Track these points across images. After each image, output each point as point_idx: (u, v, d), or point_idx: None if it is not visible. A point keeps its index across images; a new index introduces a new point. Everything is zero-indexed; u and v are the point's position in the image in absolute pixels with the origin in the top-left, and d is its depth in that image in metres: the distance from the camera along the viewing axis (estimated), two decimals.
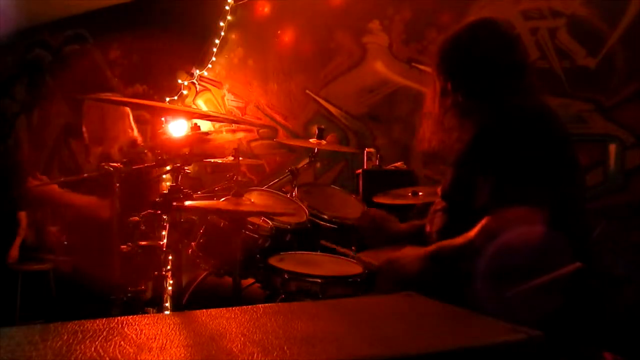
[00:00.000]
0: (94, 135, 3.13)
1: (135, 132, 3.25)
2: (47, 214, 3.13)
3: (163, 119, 4.51)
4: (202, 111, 4.56)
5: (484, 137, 1.57)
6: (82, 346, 0.86)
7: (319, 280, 2.16)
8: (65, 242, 3.01)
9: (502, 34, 1.70)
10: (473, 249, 1.48)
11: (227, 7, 4.55)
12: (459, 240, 1.55)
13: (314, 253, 2.50)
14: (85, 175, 2.63)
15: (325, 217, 2.64)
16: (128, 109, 3.22)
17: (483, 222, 1.50)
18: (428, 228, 1.79)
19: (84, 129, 3.18)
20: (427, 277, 1.59)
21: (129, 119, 3.21)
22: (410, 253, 1.67)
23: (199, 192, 3.23)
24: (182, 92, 4.79)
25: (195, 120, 2.55)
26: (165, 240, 2.53)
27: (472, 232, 1.51)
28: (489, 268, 1.44)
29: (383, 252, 2.35)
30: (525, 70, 1.69)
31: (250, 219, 2.37)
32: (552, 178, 1.49)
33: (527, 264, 1.41)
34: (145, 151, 2.92)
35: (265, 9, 4.46)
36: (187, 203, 2.09)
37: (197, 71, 4.74)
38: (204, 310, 1.13)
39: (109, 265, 3.00)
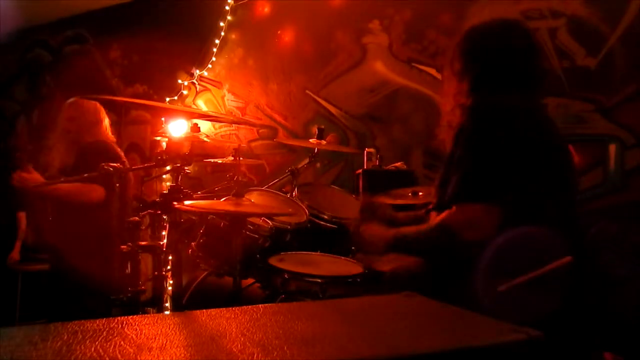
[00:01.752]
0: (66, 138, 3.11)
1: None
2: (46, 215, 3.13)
3: (163, 119, 4.51)
4: (202, 111, 4.56)
5: (460, 134, 1.58)
6: (82, 346, 0.86)
7: (319, 280, 2.16)
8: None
9: (531, 39, 1.70)
10: (427, 241, 1.58)
11: (227, 7, 4.55)
12: (416, 230, 1.63)
13: (314, 253, 2.50)
14: (85, 175, 2.63)
15: (325, 217, 2.64)
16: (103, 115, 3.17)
17: (441, 216, 1.55)
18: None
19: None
20: (389, 252, 1.72)
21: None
22: (376, 231, 1.77)
23: (199, 192, 3.23)
24: (182, 92, 4.79)
25: (195, 121, 2.55)
26: (165, 240, 2.53)
27: (429, 225, 1.59)
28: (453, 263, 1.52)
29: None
30: (542, 80, 1.69)
31: (250, 219, 2.37)
32: (524, 179, 1.49)
33: (517, 261, 1.42)
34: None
35: (265, 9, 4.46)
36: (187, 203, 2.09)
37: (197, 71, 4.74)
38: (204, 310, 1.13)
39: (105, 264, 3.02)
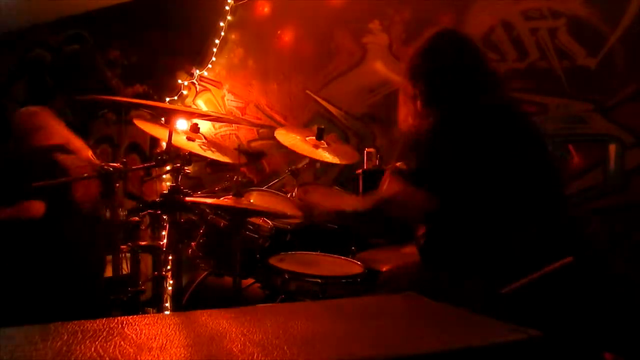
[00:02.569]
0: None
1: None
2: None
3: (163, 119, 4.51)
4: (201, 111, 4.56)
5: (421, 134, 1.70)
6: (82, 346, 0.86)
7: (319, 280, 2.16)
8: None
9: (455, 40, 1.79)
10: (366, 212, 1.69)
11: (227, 7, 4.54)
12: (356, 202, 1.77)
13: (314, 253, 2.50)
14: (85, 175, 2.64)
15: None
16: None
17: (380, 191, 1.70)
18: (415, 235, 1.81)
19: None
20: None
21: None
22: (325, 205, 1.93)
23: (199, 192, 3.23)
24: (182, 92, 4.78)
25: (195, 121, 2.55)
26: (165, 240, 2.53)
27: (368, 199, 1.72)
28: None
29: (381, 252, 2.37)
30: (476, 71, 1.74)
31: (250, 219, 2.37)
32: (489, 177, 1.54)
33: (517, 261, 1.42)
34: None
35: (265, 9, 4.46)
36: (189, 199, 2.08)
37: (197, 71, 4.74)
38: (204, 310, 1.13)
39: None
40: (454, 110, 1.64)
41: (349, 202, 1.79)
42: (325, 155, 2.82)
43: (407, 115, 1.83)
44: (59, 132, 3.15)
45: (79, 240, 2.94)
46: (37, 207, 2.79)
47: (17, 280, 2.73)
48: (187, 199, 2.11)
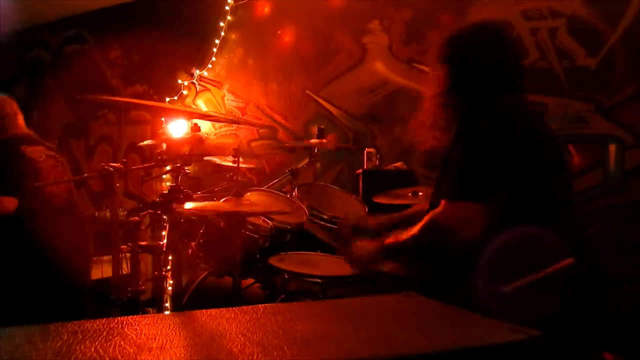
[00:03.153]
0: None
1: None
2: None
3: (163, 119, 4.51)
4: (201, 111, 4.56)
5: (456, 135, 1.60)
6: (82, 346, 0.86)
7: (319, 280, 2.16)
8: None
9: (502, 36, 1.72)
10: (418, 243, 1.58)
11: (227, 7, 4.55)
12: (405, 235, 1.63)
13: (314, 253, 2.49)
14: (85, 175, 2.63)
15: (325, 217, 2.63)
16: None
17: (427, 217, 1.57)
18: None
19: None
20: (385, 266, 1.74)
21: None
22: (369, 246, 1.78)
23: (198, 192, 3.23)
24: (182, 92, 4.79)
25: (195, 121, 2.55)
26: (165, 240, 2.53)
27: (416, 228, 1.59)
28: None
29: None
30: (519, 72, 1.71)
31: (250, 219, 2.37)
32: (518, 177, 1.50)
33: (520, 261, 1.42)
34: None
35: (265, 9, 4.46)
36: (187, 206, 2.08)
37: (197, 71, 4.74)
38: (204, 310, 1.13)
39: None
40: (500, 117, 1.58)
41: (398, 235, 1.68)
42: None
43: (436, 123, 1.74)
44: (22, 122, 2.99)
45: (54, 236, 2.84)
46: (10, 203, 2.68)
47: None
48: (185, 205, 2.11)
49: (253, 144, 4.53)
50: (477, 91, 1.65)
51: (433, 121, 1.75)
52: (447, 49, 1.73)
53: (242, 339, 0.92)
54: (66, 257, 2.80)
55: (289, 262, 2.29)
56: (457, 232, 1.49)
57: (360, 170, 3.34)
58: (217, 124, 4.67)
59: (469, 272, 1.43)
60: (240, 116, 4.57)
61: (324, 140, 3.10)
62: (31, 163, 2.76)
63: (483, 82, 1.65)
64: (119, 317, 1.04)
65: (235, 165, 2.44)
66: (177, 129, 3.94)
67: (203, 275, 2.67)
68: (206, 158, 3.18)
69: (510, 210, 1.46)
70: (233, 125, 4.61)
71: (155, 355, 0.83)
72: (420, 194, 2.71)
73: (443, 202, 1.54)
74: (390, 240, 1.69)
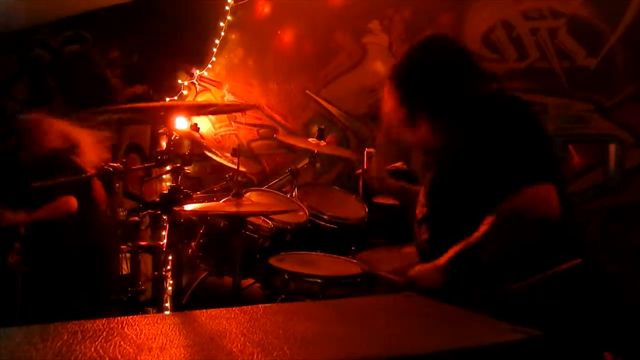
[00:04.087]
0: None
1: None
2: None
3: (162, 113, 4.49)
4: (199, 103, 4.53)
5: (473, 145, 1.57)
6: (82, 346, 0.86)
7: (319, 280, 2.16)
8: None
9: (447, 45, 1.71)
10: (495, 235, 1.47)
11: (227, 7, 4.54)
12: (476, 235, 1.52)
13: (314, 253, 2.49)
14: (85, 175, 2.64)
15: (325, 217, 2.64)
16: None
17: (499, 208, 1.48)
18: (417, 239, 1.79)
19: None
20: (451, 286, 1.54)
21: None
22: (427, 268, 1.63)
23: (198, 192, 3.23)
24: (182, 92, 4.78)
25: (195, 120, 2.55)
26: (165, 240, 2.53)
27: (484, 225, 1.49)
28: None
29: (381, 252, 2.36)
30: (477, 73, 1.70)
31: (250, 219, 2.37)
32: (539, 171, 1.50)
33: (526, 261, 1.41)
34: None
35: (265, 9, 4.46)
36: (187, 207, 2.08)
37: (197, 71, 4.74)
38: (204, 310, 1.13)
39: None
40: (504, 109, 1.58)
41: (464, 243, 1.59)
42: None
43: (425, 135, 1.72)
44: (65, 134, 3.21)
45: (101, 238, 3.05)
46: (72, 202, 2.92)
47: (48, 277, 2.84)
48: (185, 207, 2.11)
49: (253, 144, 4.53)
50: (452, 105, 1.65)
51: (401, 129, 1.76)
52: (400, 81, 1.73)
53: (242, 339, 0.92)
54: (108, 255, 2.98)
55: (289, 262, 2.29)
56: (537, 213, 1.46)
57: (360, 170, 3.34)
58: (217, 124, 4.67)
59: (469, 273, 1.43)
60: (240, 116, 4.57)
61: (322, 143, 3.09)
62: (82, 170, 2.96)
63: (452, 94, 1.65)
64: (119, 317, 1.04)
65: (235, 165, 2.44)
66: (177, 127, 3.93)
67: (203, 275, 2.67)
68: (207, 153, 3.20)
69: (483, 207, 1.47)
70: (233, 125, 4.61)
71: (155, 355, 0.83)
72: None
73: (511, 195, 1.47)
74: (452, 253, 1.56)
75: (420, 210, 1.77)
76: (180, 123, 3.59)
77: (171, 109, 2.56)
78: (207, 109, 2.95)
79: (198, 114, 3.15)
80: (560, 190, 1.49)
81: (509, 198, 1.47)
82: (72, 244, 2.97)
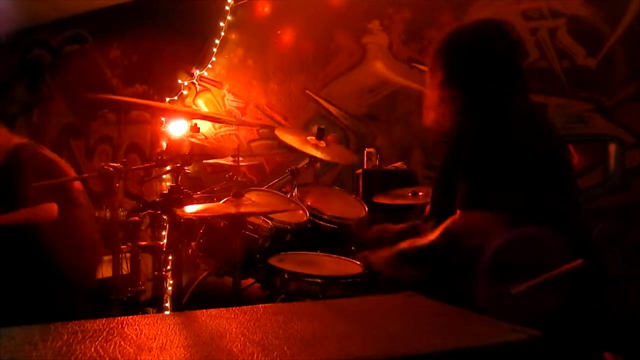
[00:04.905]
0: None
1: None
2: None
3: (163, 119, 4.51)
4: (201, 112, 4.56)
5: (463, 140, 1.58)
6: (82, 346, 0.86)
7: (319, 280, 2.16)
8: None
9: (507, 35, 1.69)
10: (435, 249, 1.56)
11: (227, 7, 4.55)
12: (422, 240, 1.61)
13: (314, 253, 2.49)
14: (85, 175, 2.63)
15: (325, 217, 2.64)
16: None
17: (446, 223, 1.54)
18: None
19: None
20: (399, 273, 1.68)
21: None
22: (383, 253, 1.74)
23: (198, 193, 3.23)
24: (182, 92, 4.79)
25: (195, 121, 2.55)
26: (165, 240, 2.53)
27: (434, 234, 1.57)
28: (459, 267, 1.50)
29: (383, 252, 2.35)
30: (522, 72, 1.70)
31: (250, 219, 2.37)
32: (530, 183, 1.49)
33: (529, 263, 1.41)
34: None
35: (265, 9, 4.46)
36: (187, 209, 2.08)
37: (197, 71, 4.74)
38: (204, 310, 1.13)
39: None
40: (508, 121, 1.57)
41: (414, 241, 1.65)
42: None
43: (443, 118, 1.69)
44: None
45: (79, 233, 2.89)
46: (52, 209, 2.70)
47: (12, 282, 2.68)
48: (185, 208, 2.11)
49: (253, 144, 4.53)
50: (480, 91, 1.63)
51: (436, 114, 1.73)
52: (448, 46, 1.70)
53: (242, 339, 0.92)
54: (86, 253, 2.85)
55: (289, 262, 2.29)
56: (470, 241, 1.48)
57: (360, 170, 3.34)
58: (217, 125, 4.67)
59: (470, 273, 1.43)
60: (240, 116, 4.57)
61: (322, 143, 3.09)
62: (53, 162, 2.80)
63: (486, 82, 1.63)
64: (119, 317, 1.04)
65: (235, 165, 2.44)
66: (177, 129, 3.94)
67: (203, 275, 2.67)
68: (206, 161, 3.19)
69: (522, 214, 1.45)
70: (233, 125, 4.61)
71: (155, 355, 0.83)
72: (420, 194, 2.72)
73: (458, 211, 1.53)
74: (405, 245, 1.67)
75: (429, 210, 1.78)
76: (181, 124, 3.59)
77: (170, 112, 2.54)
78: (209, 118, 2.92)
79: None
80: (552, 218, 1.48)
81: (453, 220, 1.52)
82: (41, 250, 2.70)
